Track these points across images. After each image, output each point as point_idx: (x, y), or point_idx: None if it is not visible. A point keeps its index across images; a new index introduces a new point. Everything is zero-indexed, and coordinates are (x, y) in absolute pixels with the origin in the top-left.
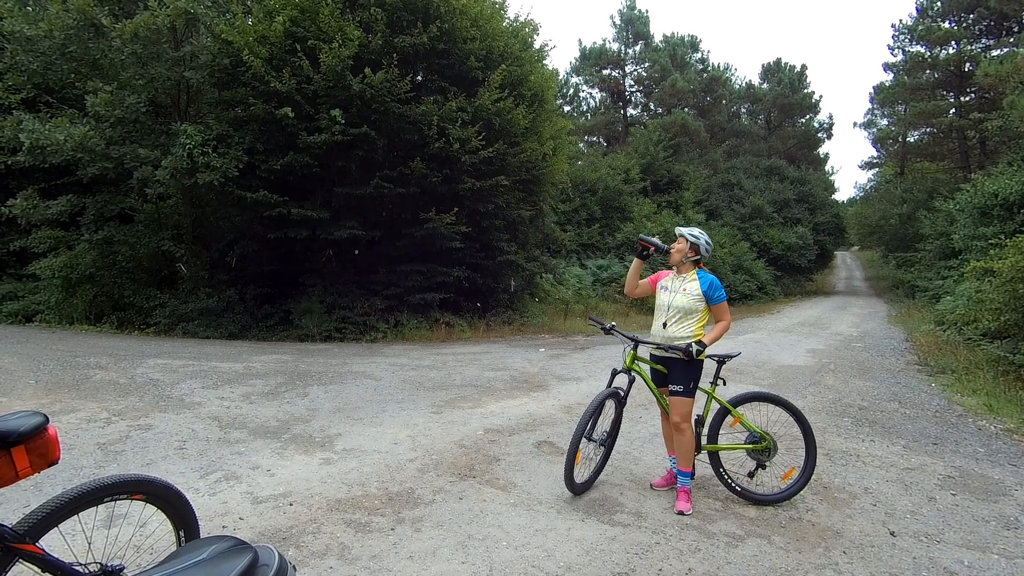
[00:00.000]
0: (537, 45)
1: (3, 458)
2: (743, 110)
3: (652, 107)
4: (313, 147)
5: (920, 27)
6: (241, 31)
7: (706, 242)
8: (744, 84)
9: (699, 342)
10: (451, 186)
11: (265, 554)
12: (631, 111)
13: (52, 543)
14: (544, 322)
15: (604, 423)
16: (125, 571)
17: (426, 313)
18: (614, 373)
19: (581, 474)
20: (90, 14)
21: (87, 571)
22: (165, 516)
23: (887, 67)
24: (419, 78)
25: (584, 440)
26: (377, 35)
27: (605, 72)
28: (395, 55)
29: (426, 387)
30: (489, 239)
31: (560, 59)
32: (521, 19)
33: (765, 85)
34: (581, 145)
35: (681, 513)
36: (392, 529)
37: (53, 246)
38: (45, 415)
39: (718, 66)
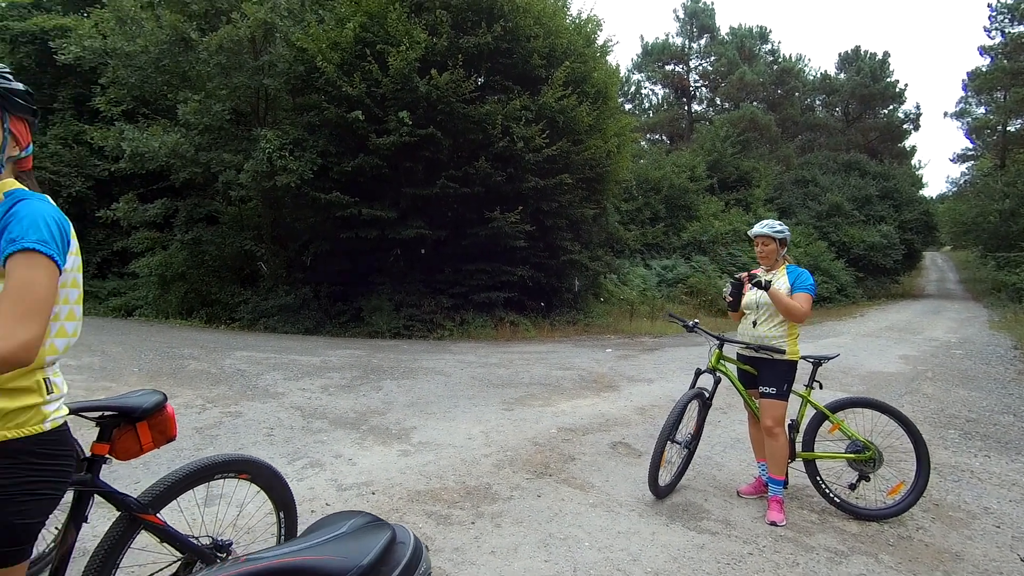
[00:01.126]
0: (600, 41)
1: (130, 432)
2: (818, 102)
3: (718, 102)
4: (382, 149)
5: (1022, 5)
6: (315, 38)
7: (788, 232)
8: (819, 75)
9: (767, 281)
10: (515, 185)
11: (401, 532)
12: (696, 107)
13: (166, 516)
14: (609, 323)
15: (688, 425)
16: (233, 546)
17: (491, 312)
18: (698, 373)
19: (663, 477)
20: (181, 29)
21: (199, 544)
22: (266, 496)
23: (983, 51)
24: (483, 78)
25: (668, 443)
26: (442, 37)
27: (668, 68)
28: (460, 56)
29: (495, 384)
30: (553, 238)
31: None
32: (584, 15)
33: (842, 75)
34: (643, 143)
35: (774, 524)
36: (472, 523)
37: (150, 246)
38: (164, 394)
39: (789, 57)
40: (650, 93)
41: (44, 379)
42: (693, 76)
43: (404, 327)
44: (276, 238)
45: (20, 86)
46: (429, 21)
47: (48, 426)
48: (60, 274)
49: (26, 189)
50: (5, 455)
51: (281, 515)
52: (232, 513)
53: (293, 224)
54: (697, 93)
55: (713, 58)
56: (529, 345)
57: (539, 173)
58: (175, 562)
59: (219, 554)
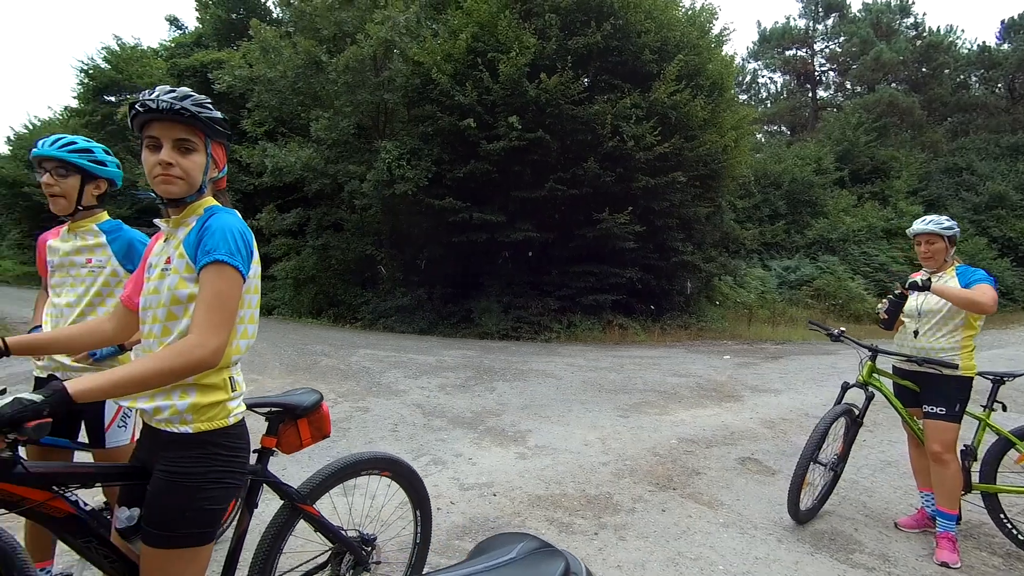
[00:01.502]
0: (715, 31)
1: (292, 428)
2: (973, 79)
3: (848, 86)
4: (492, 154)
5: None
6: (430, 52)
7: (957, 228)
8: (975, 47)
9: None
10: (624, 185)
11: (574, 562)
12: (821, 93)
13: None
14: (725, 327)
15: (833, 445)
16: (377, 541)
17: (598, 314)
18: (845, 387)
19: (804, 501)
20: (313, 54)
21: (347, 536)
22: (405, 494)
23: None
24: (590, 79)
25: (811, 464)
26: (551, 40)
27: (789, 53)
28: (569, 57)
29: (607, 389)
30: (663, 239)
31: (735, 45)
32: (698, 5)
33: (1006, 46)
34: (760, 136)
35: (945, 565)
36: (595, 534)
37: (286, 252)
38: (320, 393)
39: (937, 30)
40: (768, 82)
41: (229, 377)
42: (818, 60)
43: (512, 329)
44: (394, 243)
45: (218, 114)
46: (538, 25)
47: (232, 420)
48: (244, 282)
49: (220, 205)
50: (198, 445)
51: (418, 513)
52: (368, 506)
53: (409, 229)
54: (823, 78)
55: (842, 38)
56: (639, 349)
57: (650, 172)
58: (326, 551)
59: (364, 547)
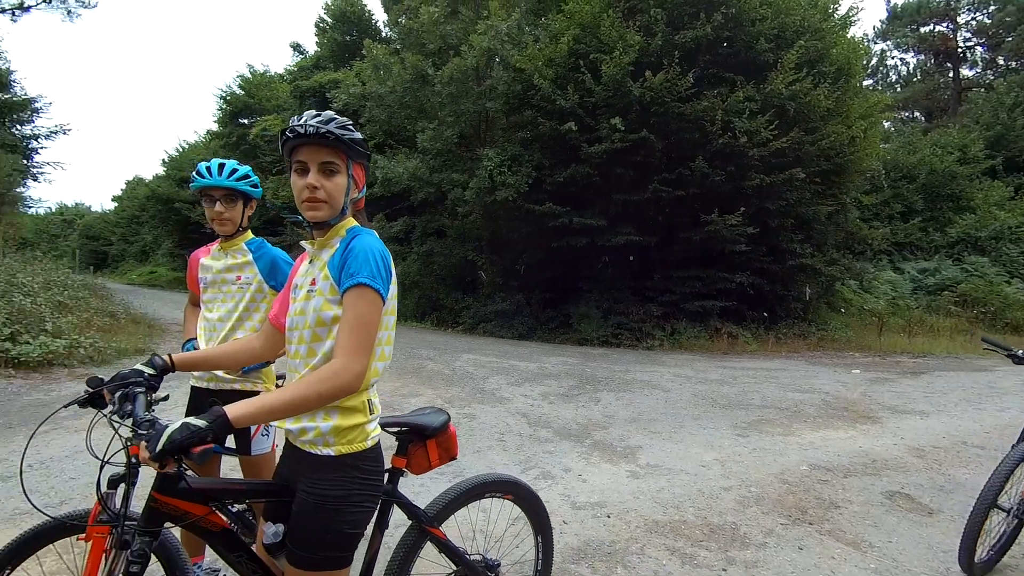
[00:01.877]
0: (841, 12)
1: (421, 449)
2: None
3: (1001, 62)
4: (593, 157)
5: None
6: (531, 58)
7: None
8: None
9: None
10: (735, 184)
11: None
12: (965, 72)
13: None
14: (849, 337)
15: (1018, 486)
16: (500, 568)
17: (705, 322)
18: None
19: (980, 551)
20: (420, 68)
21: (471, 560)
22: (527, 519)
23: None
24: (698, 73)
25: (991, 509)
26: (656, 36)
27: (926, 29)
28: (675, 53)
29: (721, 404)
30: (778, 240)
31: (861, 26)
32: None
33: None
34: (887, 124)
35: None
36: (724, 570)
37: (393, 259)
38: (448, 413)
39: None
40: (898, 63)
41: (367, 400)
42: (962, 34)
43: (612, 335)
44: (494, 248)
45: (359, 135)
46: (643, 22)
47: (370, 443)
48: (384, 305)
49: (360, 226)
50: (339, 468)
51: (539, 539)
52: (489, 530)
53: (509, 235)
54: (967, 55)
55: (993, 8)
56: (752, 360)
57: (764, 169)
58: (450, 574)
59: (488, 573)
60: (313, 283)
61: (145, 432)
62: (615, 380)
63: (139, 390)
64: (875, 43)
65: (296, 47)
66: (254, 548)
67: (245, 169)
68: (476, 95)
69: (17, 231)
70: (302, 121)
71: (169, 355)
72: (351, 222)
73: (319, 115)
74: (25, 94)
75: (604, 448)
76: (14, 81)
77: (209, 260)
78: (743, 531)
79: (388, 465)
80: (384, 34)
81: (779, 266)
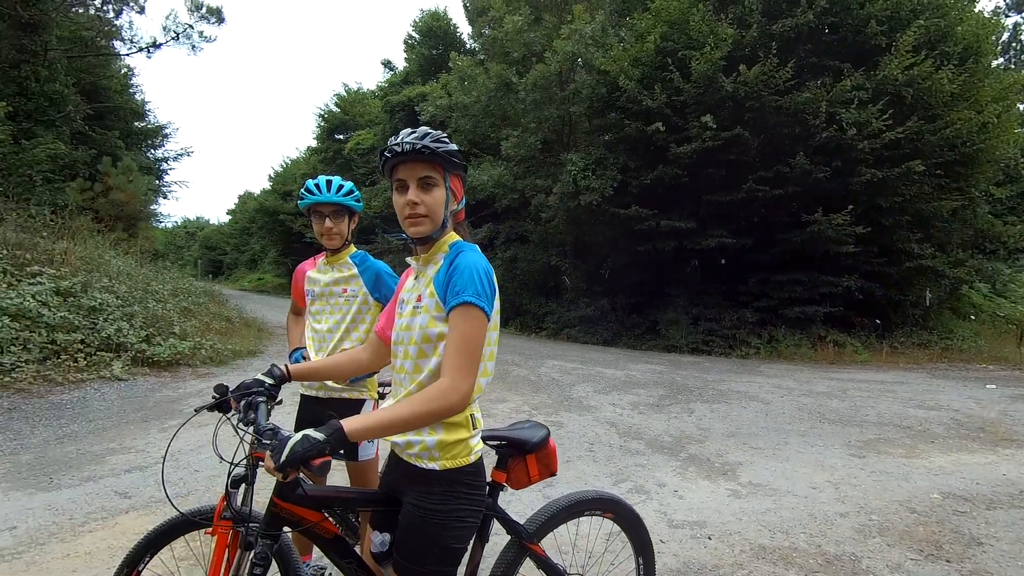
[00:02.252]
0: None
1: (521, 464)
2: None
3: None
4: (682, 157)
5: None
6: (616, 59)
7: None
8: None
9: None
10: (842, 180)
11: None
12: None
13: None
14: (980, 347)
15: None
16: None
17: (806, 329)
18: None
19: None
20: (504, 76)
21: None
22: (627, 539)
23: None
24: (798, 64)
25: None
26: (751, 28)
27: None
28: (773, 44)
29: (830, 419)
30: (893, 240)
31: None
32: None
33: None
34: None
35: None
36: None
37: None
38: (548, 428)
39: None
40: None
41: (471, 415)
42: None
43: (703, 342)
44: (577, 253)
45: (454, 147)
46: (736, 14)
47: (473, 458)
48: (488, 322)
49: (462, 240)
50: (443, 483)
51: (640, 560)
52: (585, 545)
53: (593, 239)
54: None
55: None
56: (864, 372)
57: (875, 163)
58: None
59: None
60: (419, 299)
61: (268, 441)
62: (708, 390)
63: (261, 399)
64: (1007, 16)
65: (387, 64)
66: (361, 554)
67: (350, 184)
68: (559, 100)
69: (151, 244)
70: (399, 139)
71: (286, 366)
72: (453, 236)
73: (414, 132)
74: (157, 122)
75: (701, 463)
76: (148, 111)
77: (316, 273)
78: (865, 564)
79: (488, 479)
80: (469, 46)
81: (894, 268)
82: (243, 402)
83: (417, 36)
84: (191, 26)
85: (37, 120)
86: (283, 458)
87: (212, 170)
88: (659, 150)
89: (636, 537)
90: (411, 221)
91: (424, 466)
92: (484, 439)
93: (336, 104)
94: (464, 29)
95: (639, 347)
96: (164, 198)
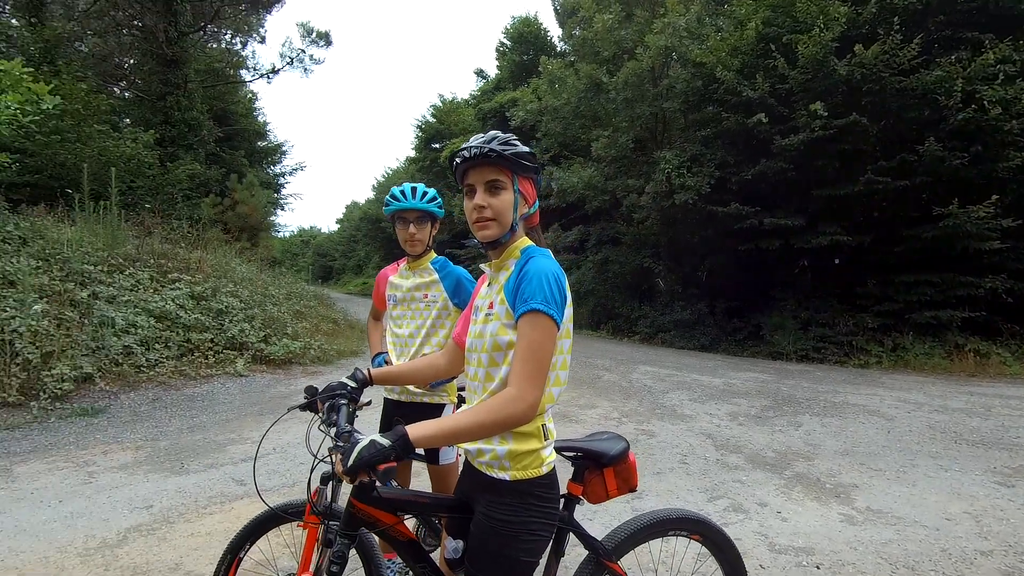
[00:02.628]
0: None
1: (598, 477)
2: None
3: None
4: (787, 149)
5: None
6: (713, 50)
7: None
8: None
9: None
10: (982, 167)
11: None
12: None
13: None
14: None
15: None
16: None
17: (940, 336)
18: None
19: None
20: (594, 76)
21: None
22: (717, 563)
23: None
24: (927, 38)
25: None
26: (870, 3)
27: None
28: (895, 19)
29: (969, 441)
30: None
31: None
32: None
33: None
34: None
35: None
36: None
37: (568, 267)
38: (627, 441)
39: None
40: None
41: (542, 425)
42: None
43: (814, 349)
44: (672, 254)
45: (525, 149)
46: None
47: (545, 470)
48: (558, 330)
49: (534, 245)
50: (514, 494)
51: None
52: (670, 564)
53: (689, 240)
54: None
55: None
56: (1013, 387)
57: None
58: None
59: None
60: (491, 306)
61: (343, 444)
62: (819, 402)
63: (343, 402)
64: None
65: (479, 72)
66: (436, 559)
67: (433, 192)
68: (652, 97)
69: (269, 252)
70: (467, 145)
71: (368, 370)
72: (525, 241)
73: (483, 136)
74: (276, 140)
75: (809, 483)
76: (268, 131)
77: (398, 279)
78: None
79: (564, 491)
80: (559, 48)
81: None
82: (327, 404)
83: (508, 43)
84: (303, 51)
85: (179, 144)
86: (350, 462)
87: (323, 182)
88: (761, 143)
89: (727, 562)
90: (479, 225)
91: (495, 475)
92: (559, 450)
93: (432, 115)
94: (554, 32)
95: (740, 353)
96: (281, 210)
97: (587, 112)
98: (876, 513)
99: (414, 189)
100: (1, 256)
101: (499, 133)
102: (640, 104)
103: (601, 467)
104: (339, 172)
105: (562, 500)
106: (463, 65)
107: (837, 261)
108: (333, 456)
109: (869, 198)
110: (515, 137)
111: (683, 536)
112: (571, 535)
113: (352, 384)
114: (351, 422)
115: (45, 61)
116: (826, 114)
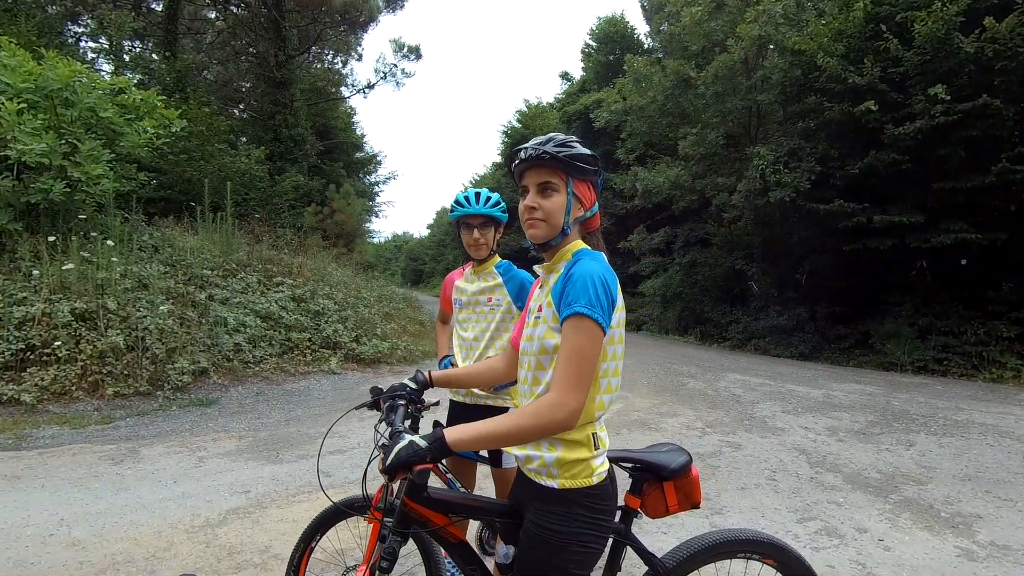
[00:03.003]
0: None
1: (658, 491)
2: None
3: None
4: (902, 139)
5: None
6: (814, 35)
7: None
8: None
9: None
10: None
11: None
12: None
13: None
14: None
15: None
16: None
17: None
18: None
19: None
20: (682, 72)
21: None
22: None
23: None
24: None
25: None
26: None
27: None
28: None
29: None
30: None
31: None
32: None
33: None
34: None
35: None
36: None
37: (654, 270)
38: (690, 455)
39: None
40: None
41: (593, 434)
42: None
43: (935, 360)
44: (767, 256)
45: (585, 151)
46: None
47: (595, 480)
48: (604, 335)
49: (589, 248)
50: (562, 503)
51: None
52: None
53: (786, 240)
54: None
55: None
56: None
57: None
58: None
59: None
60: (540, 309)
61: (388, 443)
62: (937, 419)
63: (400, 402)
64: None
65: (564, 76)
66: (489, 564)
67: (497, 196)
68: (745, 90)
69: (363, 257)
70: (524, 146)
71: (429, 372)
72: (578, 244)
73: (541, 138)
74: (371, 151)
75: (920, 510)
76: (364, 143)
77: (463, 283)
78: None
79: (621, 503)
80: (647, 45)
81: None
82: (387, 404)
83: (594, 44)
84: (395, 65)
85: (285, 159)
86: (388, 461)
87: (415, 190)
88: (871, 133)
89: None
90: (528, 224)
91: (543, 483)
92: (616, 460)
93: (518, 120)
94: (641, 28)
95: (845, 363)
96: (375, 217)
97: (674, 109)
98: (1002, 549)
99: (478, 194)
100: (138, 262)
101: (558, 135)
102: (731, 98)
103: (661, 480)
104: (430, 179)
105: (619, 512)
106: (548, 69)
107: (964, 262)
108: (379, 454)
109: (1004, 191)
110: (575, 139)
111: (755, 560)
112: (628, 550)
113: (413, 386)
114: (414, 422)
115: (177, 89)
116: (948, 98)
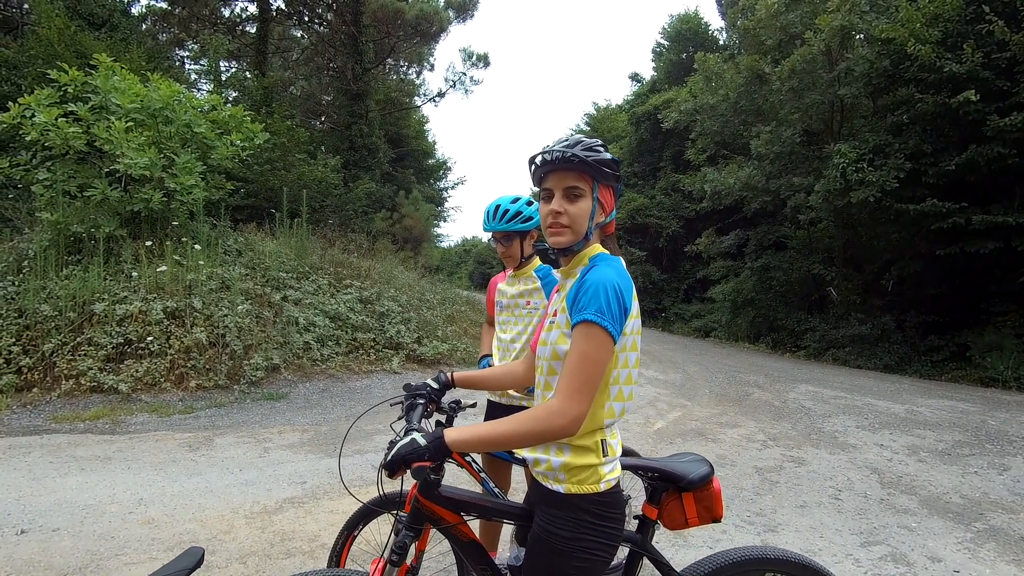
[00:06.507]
0: None
1: (676, 501)
2: None
3: None
4: (1008, 131)
5: None
6: (905, 22)
7: None
8: None
9: None
10: None
11: None
12: None
13: None
14: None
15: None
16: None
17: None
18: None
19: None
20: (756, 68)
21: None
22: None
23: None
24: None
25: None
26: None
27: None
28: None
29: None
30: None
31: None
32: None
33: None
34: None
35: None
36: None
37: (724, 274)
38: (711, 466)
39: None
40: None
41: (601, 440)
42: None
43: None
44: (848, 260)
45: (609, 156)
46: None
47: (603, 487)
48: (615, 343)
49: (606, 253)
50: (568, 508)
51: None
52: None
53: (870, 243)
54: None
55: None
56: None
57: None
58: None
59: None
60: (555, 314)
61: (395, 440)
62: None
63: (420, 401)
64: None
65: (634, 77)
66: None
67: (516, 207)
68: (826, 84)
69: (429, 260)
70: (549, 147)
71: (451, 373)
72: (596, 249)
73: (566, 139)
74: (442, 158)
75: (1007, 541)
76: (436, 149)
77: (504, 286)
78: None
79: (638, 512)
80: (722, 41)
81: None
82: (407, 403)
83: (666, 43)
84: (464, 73)
85: (359, 167)
86: (388, 457)
87: (484, 194)
88: (970, 126)
89: None
90: (552, 231)
91: (550, 487)
92: (633, 468)
93: (586, 123)
94: (716, 24)
95: (937, 377)
96: (444, 221)
97: (748, 107)
98: None
99: (497, 208)
100: (222, 265)
101: (583, 137)
102: (811, 93)
103: (679, 491)
104: (499, 183)
105: (636, 522)
106: (618, 71)
107: None
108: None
109: None
110: (600, 143)
111: None
112: (646, 560)
113: (434, 385)
114: (448, 421)
115: (264, 104)
116: None
